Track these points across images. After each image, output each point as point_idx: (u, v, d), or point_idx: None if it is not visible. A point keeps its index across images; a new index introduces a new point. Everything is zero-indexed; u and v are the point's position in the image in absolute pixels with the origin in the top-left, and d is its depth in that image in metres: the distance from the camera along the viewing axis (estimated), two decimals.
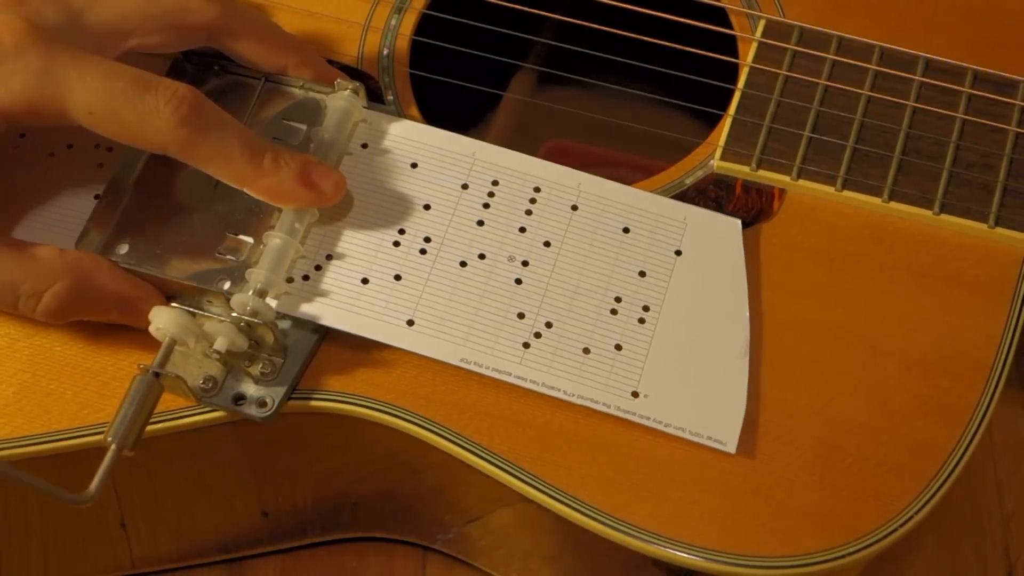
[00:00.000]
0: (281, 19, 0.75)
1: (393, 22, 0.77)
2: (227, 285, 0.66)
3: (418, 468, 0.70)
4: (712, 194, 0.71)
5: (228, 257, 0.67)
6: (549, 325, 0.67)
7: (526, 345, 0.66)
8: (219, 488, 0.73)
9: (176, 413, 0.65)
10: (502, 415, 0.66)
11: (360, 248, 0.68)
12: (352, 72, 0.75)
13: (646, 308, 0.67)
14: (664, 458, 0.65)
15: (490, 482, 0.65)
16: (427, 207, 0.69)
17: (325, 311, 0.66)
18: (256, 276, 0.65)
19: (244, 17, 0.71)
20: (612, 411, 0.65)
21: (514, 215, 0.69)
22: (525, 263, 0.68)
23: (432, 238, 0.69)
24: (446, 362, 0.66)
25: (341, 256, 0.68)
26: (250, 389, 0.65)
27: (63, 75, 0.63)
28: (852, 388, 0.66)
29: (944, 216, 0.70)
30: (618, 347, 0.66)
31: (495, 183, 0.70)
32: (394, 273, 0.68)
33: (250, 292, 0.65)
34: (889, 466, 0.64)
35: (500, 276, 0.68)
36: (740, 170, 0.71)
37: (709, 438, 0.64)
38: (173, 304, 0.66)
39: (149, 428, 0.62)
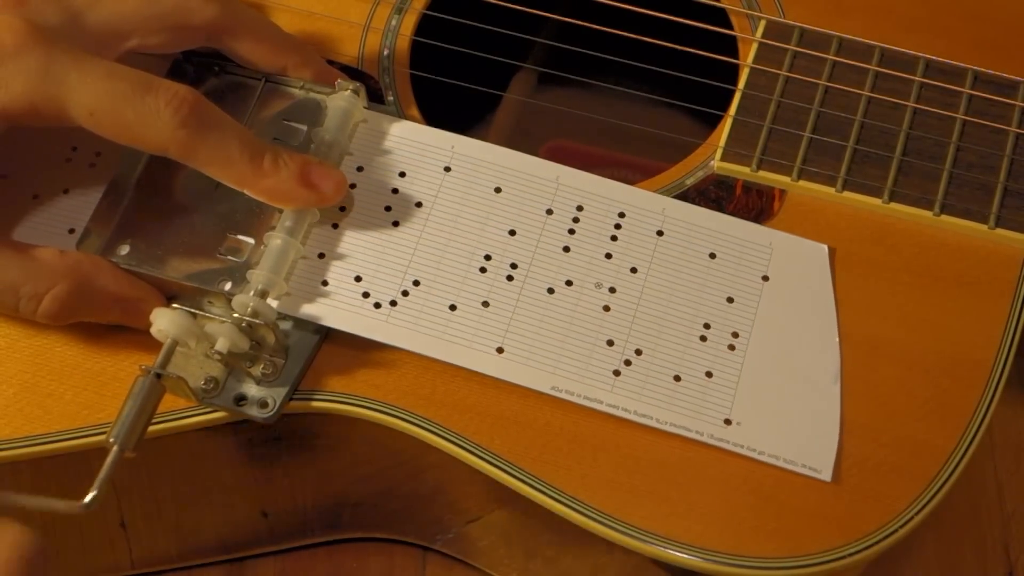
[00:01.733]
0: (281, 19, 0.75)
1: (393, 22, 0.77)
2: (228, 286, 0.66)
3: (418, 468, 0.70)
4: (712, 195, 0.71)
5: (229, 258, 0.67)
6: (639, 352, 0.66)
7: (616, 373, 0.66)
8: (219, 488, 0.72)
9: (178, 414, 0.65)
10: (502, 415, 0.66)
11: (447, 274, 0.68)
12: (352, 72, 0.75)
13: (735, 334, 0.67)
14: (664, 458, 0.65)
15: (490, 482, 0.65)
16: (512, 233, 0.69)
17: (326, 311, 0.66)
18: (257, 277, 0.65)
19: (244, 17, 0.71)
20: (705, 439, 0.64)
21: (600, 241, 0.69)
22: (612, 290, 0.68)
23: (519, 264, 0.68)
24: (537, 390, 0.66)
25: (429, 282, 0.68)
26: (251, 390, 0.66)
27: (64, 76, 0.63)
28: (852, 389, 0.66)
29: (944, 217, 0.70)
30: (708, 374, 0.66)
31: (580, 208, 0.70)
32: (482, 300, 0.67)
33: (251, 293, 0.65)
34: (889, 467, 0.64)
35: (588, 303, 0.67)
36: (740, 171, 0.71)
37: (804, 466, 0.64)
38: (174, 305, 0.66)
39: (150, 429, 0.62)
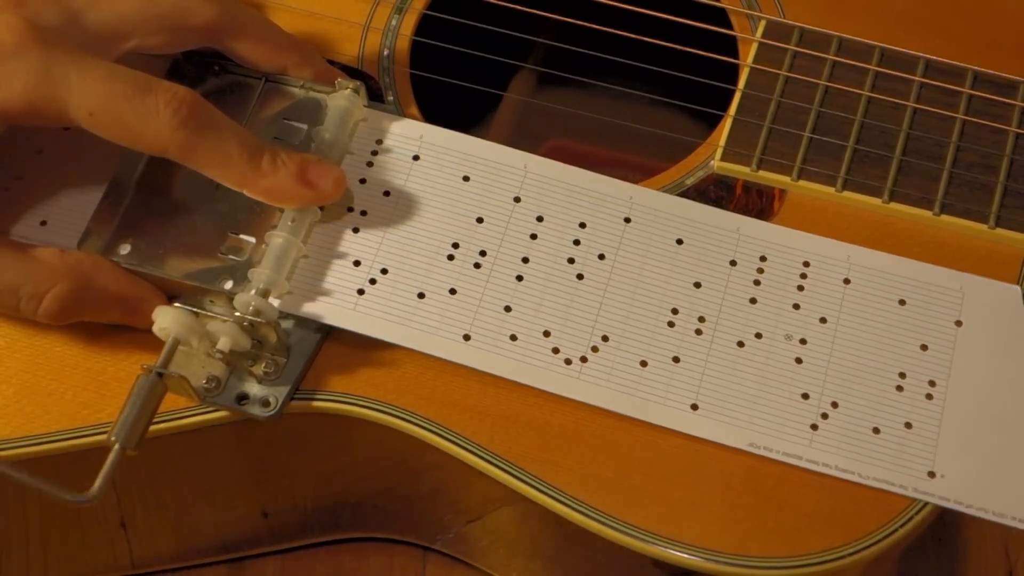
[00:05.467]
0: (281, 19, 0.75)
1: (393, 22, 0.77)
2: (229, 285, 0.66)
3: (418, 468, 0.70)
4: (713, 194, 0.71)
5: (230, 257, 0.67)
6: (835, 405, 0.65)
7: (814, 427, 0.65)
8: (219, 488, 0.72)
9: (179, 413, 0.65)
10: (502, 415, 0.65)
11: (636, 329, 0.67)
12: (352, 72, 0.75)
13: (932, 383, 0.66)
14: (664, 458, 0.64)
15: (490, 482, 0.65)
16: (697, 285, 0.68)
17: (328, 310, 0.66)
18: (259, 276, 0.65)
19: (243, 18, 0.71)
20: (909, 493, 0.63)
21: (786, 291, 0.68)
22: (803, 341, 0.67)
23: (706, 318, 0.67)
24: (732, 446, 0.64)
25: (618, 338, 0.66)
26: (253, 389, 0.65)
27: (64, 76, 0.63)
28: None
29: (944, 217, 0.70)
30: (908, 425, 0.65)
31: (763, 259, 0.68)
32: (672, 355, 0.66)
33: (253, 291, 0.65)
34: None
35: (779, 355, 0.66)
36: (741, 171, 0.71)
37: (1014, 519, 0.63)
38: (176, 304, 0.66)
39: (152, 428, 0.62)
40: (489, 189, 0.70)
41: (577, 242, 0.69)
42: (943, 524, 0.66)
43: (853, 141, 0.71)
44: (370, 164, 0.70)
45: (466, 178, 0.70)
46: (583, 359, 0.66)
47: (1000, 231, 0.69)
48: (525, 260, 0.68)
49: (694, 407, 0.65)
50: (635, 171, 0.78)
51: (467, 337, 0.67)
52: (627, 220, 0.69)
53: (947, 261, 0.69)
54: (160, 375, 0.63)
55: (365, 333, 0.66)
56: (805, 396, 0.65)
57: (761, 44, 0.75)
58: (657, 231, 0.69)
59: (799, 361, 0.66)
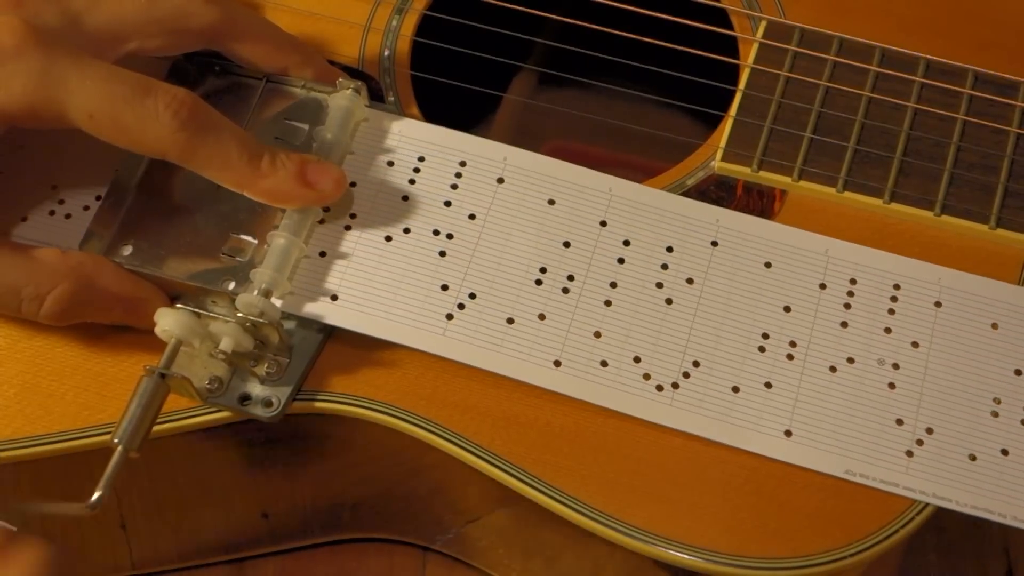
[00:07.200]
0: (282, 20, 0.75)
1: (394, 23, 0.77)
2: (231, 285, 0.66)
3: (418, 468, 0.70)
4: (713, 195, 0.71)
5: (232, 257, 0.67)
6: (930, 431, 0.64)
7: (909, 453, 0.64)
8: (219, 489, 0.72)
9: (181, 414, 0.65)
10: (503, 416, 0.65)
11: (726, 354, 0.66)
12: (353, 73, 0.75)
13: None
14: (665, 459, 0.64)
15: (490, 482, 0.65)
16: (787, 309, 0.67)
17: (329, 311, 0.66)
18: (261, 276, 0.65)
19: (244, 20, 0.71)
20: (1009, 521, 0.62)
21: (877, 315, 0.67)
22: (896, 366, 0.66)
23: (797, 342, 0.66)
24: (828, 474, 0.64)
25: (708, 363, 0.66)
26: (256, 389, 0.65)
27: (63, 78, 0.63)
28: None
29: (945, 217, 0.70)
30: (1004, 452, 0.64)
31: (853, 281, 0.68)
32: (764, 380, 0.65)
33: (255, 292, 0.65)
34: None
35: (872, 380, 0.66)
36: (741, 171, 0.72)
37: None
38: (178, 305, 0.66)
39: (154, 429, 0.62)
40: (575, 213, 0.69)
41: (665, 266, 0.68)
42: (943, 524, 0.66)
43: (854, 142, 0.71)
44: (454, 187, 0.70)
45: (551, 201, 0.70)
46: (674, 385, 0.66)
47: (1001, 232, 0.69)
48: (613, 285, 0.68)
49: (788, 433, 0.64)
50: (635, 171, 0.77)
51: (557, 363, 0.66)
52: (714, 243, 0.69)
53: (948, 262, 0.69)
54: (163, 376, 0.63)
55: (455, 359, 0.66)
56: (899, 422, 0.65)
57: (762, 44, 0.75)
58: (745, 254, 0.69)
59: (892, 386, 0.65)
